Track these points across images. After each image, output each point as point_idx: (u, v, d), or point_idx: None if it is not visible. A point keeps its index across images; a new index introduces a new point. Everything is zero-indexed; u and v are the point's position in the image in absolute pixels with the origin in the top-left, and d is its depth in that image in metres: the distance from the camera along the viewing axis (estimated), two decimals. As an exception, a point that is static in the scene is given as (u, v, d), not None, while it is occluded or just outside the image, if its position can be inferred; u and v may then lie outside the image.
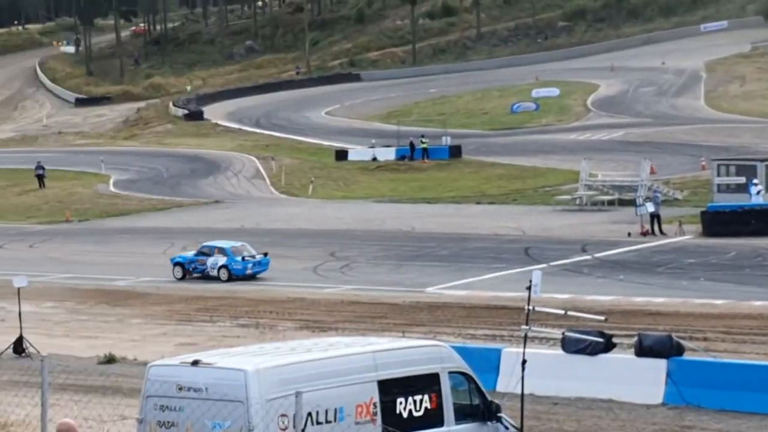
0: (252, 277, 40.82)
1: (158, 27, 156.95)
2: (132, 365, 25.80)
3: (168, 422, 13.26)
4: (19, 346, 27.77)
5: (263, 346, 16.42)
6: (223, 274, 40.76)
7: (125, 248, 49.56)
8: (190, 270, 41.15)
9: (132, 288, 40.00)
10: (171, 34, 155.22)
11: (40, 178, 74.62)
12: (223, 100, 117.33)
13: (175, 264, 41.47)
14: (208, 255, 41.21)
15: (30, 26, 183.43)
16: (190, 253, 42.00)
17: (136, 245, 50.16)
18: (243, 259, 40.95)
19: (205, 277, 40.59)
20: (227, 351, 15.46)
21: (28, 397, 19.62)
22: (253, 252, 41.61)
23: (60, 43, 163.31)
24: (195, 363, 13.31)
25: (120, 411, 19.51)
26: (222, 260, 40.90)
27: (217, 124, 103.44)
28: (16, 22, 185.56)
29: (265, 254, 41.71)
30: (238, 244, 42.06)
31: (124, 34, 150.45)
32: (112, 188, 73.84)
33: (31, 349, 27.40)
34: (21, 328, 27.95)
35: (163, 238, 51.01)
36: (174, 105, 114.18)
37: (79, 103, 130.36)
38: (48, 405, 15.71)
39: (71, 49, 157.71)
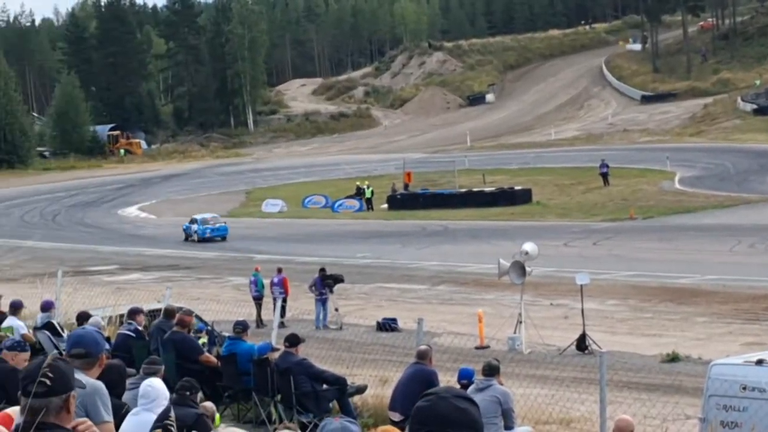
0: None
1: (727, 21, 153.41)
2: (696, 364, 25.01)
3: (731, 422, 12.72)
4: (582, 343, 27.87)
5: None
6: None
7: (690, 245, 48.51)
8: None
9: (697, 286, 38.96)
10: (739, 27, 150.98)
11: (605, 176, 75.35)
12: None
13: None
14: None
15: (597, 25, 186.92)
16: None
17: (701, 243, 48.95)
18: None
19: None
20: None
21: (589, 393, 19.50)
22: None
23: (626, 41, 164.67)
24: (759, 362, 12.58)
25: (682, 410, 18.95)
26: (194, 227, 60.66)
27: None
28: (583, 22, 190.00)
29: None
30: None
31: (691, 29, 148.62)
32: (677, 185, 73.01)
33: (594, 347, 27.39)
34: (584, 325, 28.05)
35: (729, 236, 49.47)
36: (742, 100, 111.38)
37: (645, 100, 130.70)
38: (606, 401, 15.39)
39: (637, 46, 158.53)
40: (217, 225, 61.21)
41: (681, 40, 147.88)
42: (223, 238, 60.25)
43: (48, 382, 5.11)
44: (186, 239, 60.83)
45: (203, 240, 59.54)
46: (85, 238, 65.02)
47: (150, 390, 10.20)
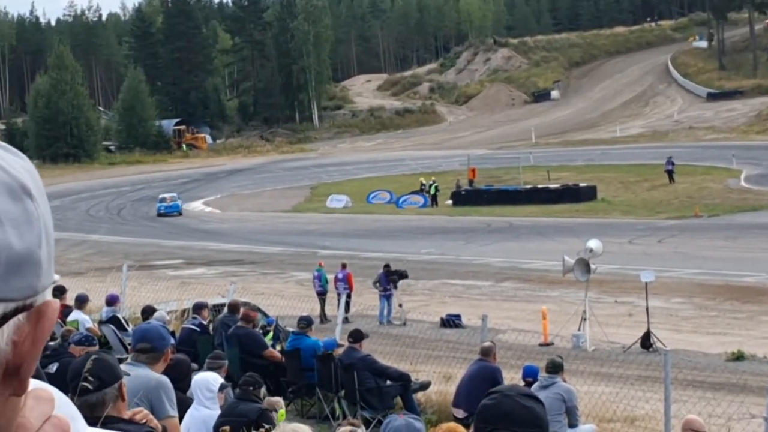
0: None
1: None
2: (761, 363, 24.77)
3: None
4: (646, 341, 27.68)
5: None
6: None
7: (755, 244, 47.98)
8: None
9: (763, 284, 38.50)
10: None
11: (670, 173, 74.77)
12: None
13: None
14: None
15: (662, 23, 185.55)
16: None
17: (767, 241, 48.44)
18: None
19: None
20: None
21: (653, 391, 19.38)
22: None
23: (692, 38, 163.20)
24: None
25: (747, 409, 18.76)
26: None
27: None
28: (648, 19, 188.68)
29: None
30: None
31: (758, 26, 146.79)
32: (743, 183, 72.25)
33: (658, 344, 27.19)
34: (648, 323, 27.87)
35: (797, 235, 48.92)
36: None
37: (711, 97, 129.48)
38: (671, 400, 15.30)
39: (703, 43, 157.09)
40: (172, 203, 76.20)
41: (747, 38, 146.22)
42: (179, 214, 74.86)
43: (99, 375, 5.18)
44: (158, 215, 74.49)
45: (161, 215, 74.38)
46: (149, 232, 65.68)
47: (194, 385, 10.23)
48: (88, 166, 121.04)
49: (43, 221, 1.23)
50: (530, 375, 14.62)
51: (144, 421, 5.32)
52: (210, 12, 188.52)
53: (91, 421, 5.03)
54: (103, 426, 5.01)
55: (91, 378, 5.13)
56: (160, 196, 78.92)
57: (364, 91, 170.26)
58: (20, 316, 1.20)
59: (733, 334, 29.41)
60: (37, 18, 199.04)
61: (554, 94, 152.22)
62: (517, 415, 3.83)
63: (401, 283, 34.43)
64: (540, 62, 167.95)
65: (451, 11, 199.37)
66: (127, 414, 5.26)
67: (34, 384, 1.26)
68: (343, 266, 34.91)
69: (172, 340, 9.31)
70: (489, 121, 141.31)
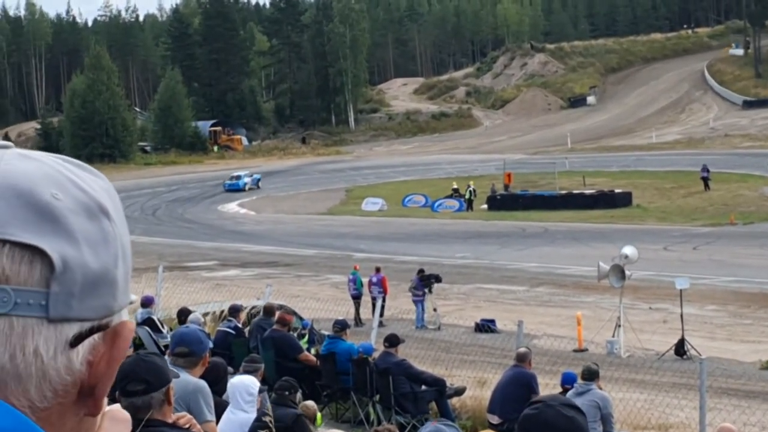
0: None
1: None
2: (796, 373, 24.69)
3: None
4: (680, 348, 27.60)
5: None
6: None
7: (791, 252, 47.74)
8: None
9: (798, 294, 38.33)
10: None
11: (705, 180, 74.44)
12: None
13: None
14: None
15: (699, 30, 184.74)
16: None
17: (802, 250, 48.18)
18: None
19: None
20: None
21: (688, 399, 19.34)
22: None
23: (729, 46, 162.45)
24: None
25: (782, 419, 18.69)
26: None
27: None
28: (685, 26, 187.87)
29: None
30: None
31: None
32: (778, 191, 71.87)
33: (693, 352, 27.11)
34: (683, 330, 27.79)
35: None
36: None
37: (747, 105, 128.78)
38: (706, 408, 15.27)
39: (740, 51, 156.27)
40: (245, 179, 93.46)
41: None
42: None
43: (146, 378, 5.21)
44: None
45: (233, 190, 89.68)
46: (184, 233, 65.99)
47: (232, 388, 10.25)
48: (123, 166, 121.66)
49: (120, 241, 1.25)
50: (568, 382, 14.62)
51: (188, 425, 5.38)
52: (247, 14, 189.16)
53: (135, 423, 5.11)
54: (147, 429, 5.08)
55: (138, 380, 5.17)
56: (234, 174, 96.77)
57: (400, 94, 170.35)
58: (96, 336, 1.19)
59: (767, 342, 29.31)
60: (74, 18, 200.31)
61: (590, 99, 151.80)
62: (559, 426, 3.88)
63: (436, 287, 34.47)
64: (576, 68, 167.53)
65: (488, 16, 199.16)
66: (171, 418, 5.30)
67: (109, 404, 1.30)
68: (378, 270, 34.97)
69: (211, 344, 9.37)
70: (525, 125, 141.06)
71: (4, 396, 1.14)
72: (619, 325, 28.41)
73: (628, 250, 29.20)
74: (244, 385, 10.21)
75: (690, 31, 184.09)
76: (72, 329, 1.17)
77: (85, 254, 1.17)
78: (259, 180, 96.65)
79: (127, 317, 1.26)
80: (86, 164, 1.27)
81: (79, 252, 1.17)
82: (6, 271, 1.14)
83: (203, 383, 7.40)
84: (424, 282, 33.81)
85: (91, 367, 1.19)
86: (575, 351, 27.90)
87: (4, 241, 1.14)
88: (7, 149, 1.22)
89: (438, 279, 34.66)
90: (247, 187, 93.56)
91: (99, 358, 1.20)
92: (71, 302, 1.16)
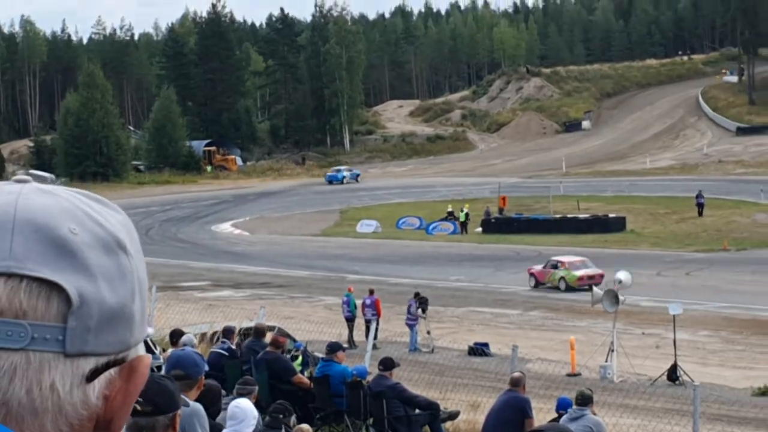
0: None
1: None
2: (789, 400, 24.70)
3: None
4: (673, 374, 27.62)
5: None
6: None
7: (786, 279, 47.80)
8: None
9: (791, 320, 38.35)
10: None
11: (700, 206, 74.60)
12: None
13: None
14: None
15: (694, 56, 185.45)
16: None
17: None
18: None
19: None
20: None
21: (681, 426, 19.33)
22: None
23: (723, 73, 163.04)
24: None
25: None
26: None
27: None
28: (680, 53, 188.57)
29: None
30: None
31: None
32: (772, 217, 71.98)
33: (685, 377, 27.12)
34: (675, 355, 27.82)
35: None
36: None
37: (740, 132, 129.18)
38: (699, 436, 15.26)
39: (734, 78, 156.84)
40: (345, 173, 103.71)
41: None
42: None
43: (154, 400, 5.18)
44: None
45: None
46: (177, 253, 65.92)
47: (238, 411, 10.11)
48: (116, 185, 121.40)
49: (137, 276, 1.24)
50: (563, 407, 14.60)
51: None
52: (243, 33, 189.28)
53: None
54: None
55: (147, 401, 5.12)
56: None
57: (396, 116, 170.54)
58: (112, 371, 1.20)
59: (760, 369, 29.34)
60: (69, 36, 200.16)
61: (585, 124, 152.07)
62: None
63: (429, 309, 34.51)
64: (572, 92, 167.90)
65: (485, 39, 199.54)
66: (172, 444, 5.26)
67: None
68: (371, 292, 34.97)
69: (206, 367, 9.35)
70: (520, 149, 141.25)
71: (21, 430, 1.14)
72: (613, 350, 28.44)
73: (622, 275, 29.28)
74: (243, 409, 10.17)
75: (685, 58, 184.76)
76: (88, 364, 1.17)
77: (102, 289, 1.17)
78: (358, 175, 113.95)
79: (143, 351, 1.26)
80: (105, 198, 1.27)
81: (96, 287, 1.17)
82: (23, 306, 1.14)
83: (199, 407, 7.37)
84: (420, 304, 33.87)
85: (107, 402, 1.20)
86: (568, 375, 27.92)
87: (22, 276, 1.15)
88: (25, 183, 1.22)
89: (425, 302, 34.78)
90: (345, 180, 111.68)
91: (115, 393, 1.20)
92: (88, 337, 1.16)
